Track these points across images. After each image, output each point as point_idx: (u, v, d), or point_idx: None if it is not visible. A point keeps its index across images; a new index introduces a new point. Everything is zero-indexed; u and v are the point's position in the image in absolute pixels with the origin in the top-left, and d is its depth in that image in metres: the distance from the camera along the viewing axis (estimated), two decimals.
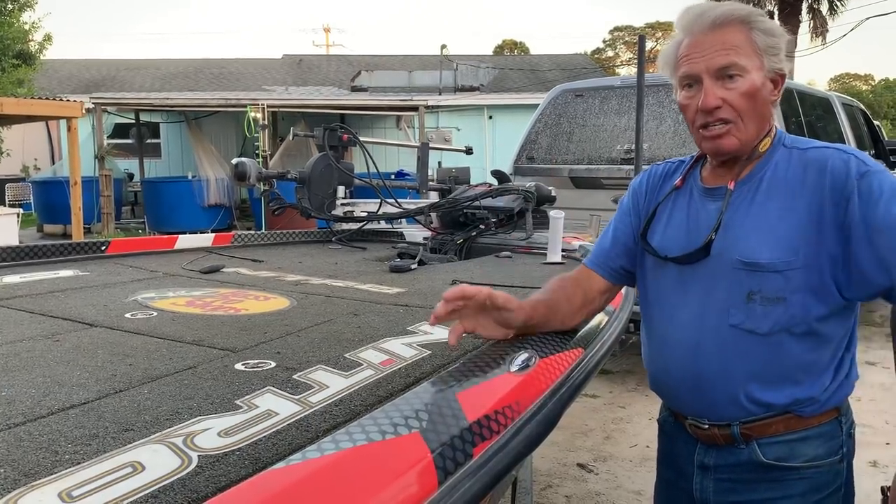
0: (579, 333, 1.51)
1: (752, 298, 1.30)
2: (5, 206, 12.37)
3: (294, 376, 1.32)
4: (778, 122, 4.98)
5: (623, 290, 1.70)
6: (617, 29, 43.73)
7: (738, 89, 1.28)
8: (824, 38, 20.18)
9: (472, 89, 17.77)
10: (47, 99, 11.19)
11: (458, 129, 16.13)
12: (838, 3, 20.29)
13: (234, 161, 3.69)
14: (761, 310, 1.29)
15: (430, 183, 4.55)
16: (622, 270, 1.55)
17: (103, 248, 3.00)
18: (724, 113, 1.30)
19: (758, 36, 1.29)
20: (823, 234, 1.26)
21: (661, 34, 35.42)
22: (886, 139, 7.61)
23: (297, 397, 1.20)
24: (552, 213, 2.96)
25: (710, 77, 1.29)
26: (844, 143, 6.11)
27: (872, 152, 7.11)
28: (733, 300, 1.32)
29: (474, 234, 3.55)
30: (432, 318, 1.29)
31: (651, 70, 4.41)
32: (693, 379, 1.39)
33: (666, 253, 1.42)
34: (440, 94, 16.83)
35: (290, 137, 7.15)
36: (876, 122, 7.76)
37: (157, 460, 0.92)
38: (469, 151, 5.89)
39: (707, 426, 1.41)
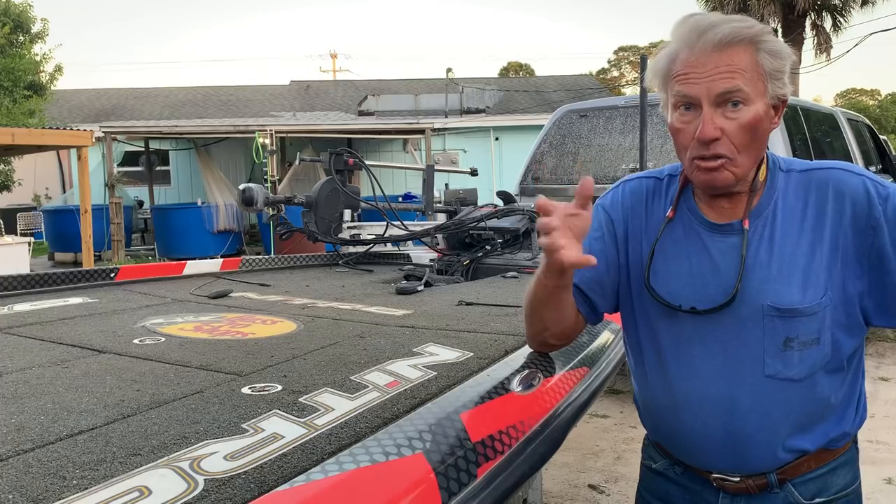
0: (584, 352, 1.51)
1: (788, 346, 1.20)
2: (17, 234, 12.51)
3: (300, 399, 1.32)
4: (783, 140, 5.03)
5: None
6: (621, 49, 44.04)
7: (739, 119, 1.16)
8: (828, 55, 20.22)
9: (477, 111, 17.87)
10: (58, 129, 11.35)
11: (465, 151, 16.23)
12: (842, 20, 20.36)
13: (242, 187, 3.73)
14: (798, 355, 1.21)
15: (436, 205, 4.58)
16: (593, 301, 1.37)
17: (112, 275, 3.03)
18: (721, 148, 1.17)
19: (764, 59, 1.18)
20: (847, 265, 1.20)
21: None
22: (893, 153, 7.60)
23: (302, 420, 1.20)
24: None
25: (710, 103, 1.16)
26: (850, 158, 6.13)
27: (879, 167, 7.10)
28: (768, 349, 1.21)
29: (480, 254, 3.57)
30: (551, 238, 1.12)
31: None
32: (728, 437, 1.27)
33: (679, 302, 1.26)
34: (446, 117, 16.93)
35: (297, 163, 7.22)
36: (882, 137, 7.75)
37: (164, 484, 0.93)
38: (474, 173, 5.92)
39: (738, 479, 1.30)
